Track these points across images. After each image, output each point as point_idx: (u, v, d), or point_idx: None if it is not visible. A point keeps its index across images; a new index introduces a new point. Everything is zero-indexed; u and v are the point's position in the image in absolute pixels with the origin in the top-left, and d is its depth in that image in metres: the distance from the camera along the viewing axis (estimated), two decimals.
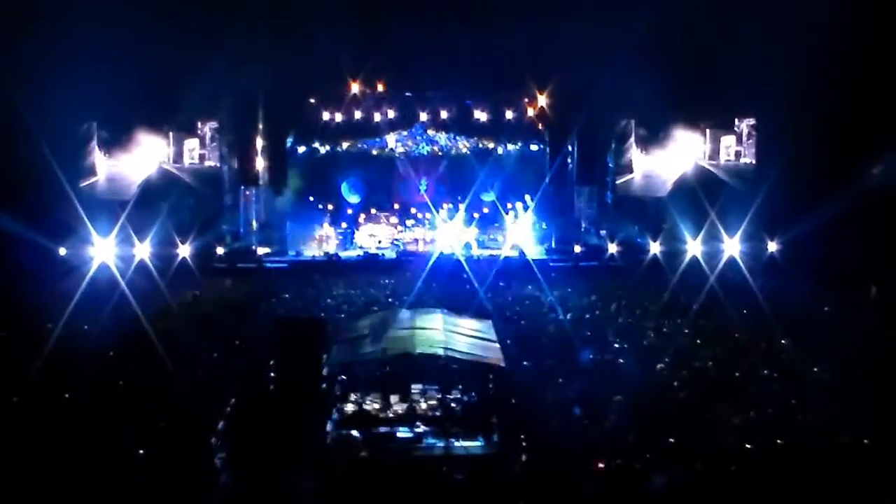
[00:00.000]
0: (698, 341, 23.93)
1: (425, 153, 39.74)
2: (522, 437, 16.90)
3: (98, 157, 36.17)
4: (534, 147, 39.52)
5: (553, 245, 37.93)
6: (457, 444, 17.00)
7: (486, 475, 16.17)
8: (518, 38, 34.15)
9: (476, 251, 37.03)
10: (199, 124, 36.77)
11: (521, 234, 38.11)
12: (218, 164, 36.84)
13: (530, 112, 37.85)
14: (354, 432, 17.24)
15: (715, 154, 37.42)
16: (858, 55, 30.59)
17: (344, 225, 38.72)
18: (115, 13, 30.72)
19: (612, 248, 35.86)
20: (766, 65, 31.87)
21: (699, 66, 33.13)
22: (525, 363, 21.69)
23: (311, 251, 37.52)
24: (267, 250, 37.18)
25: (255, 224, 37.43)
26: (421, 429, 17.52)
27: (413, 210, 39.53)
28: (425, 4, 33.51)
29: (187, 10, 31.96)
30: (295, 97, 37.57)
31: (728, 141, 37.31)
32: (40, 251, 31.14)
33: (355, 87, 37.00)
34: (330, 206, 39.32)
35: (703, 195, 35.15)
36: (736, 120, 37.09)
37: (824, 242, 30.03)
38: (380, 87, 37.50)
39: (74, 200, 32.86)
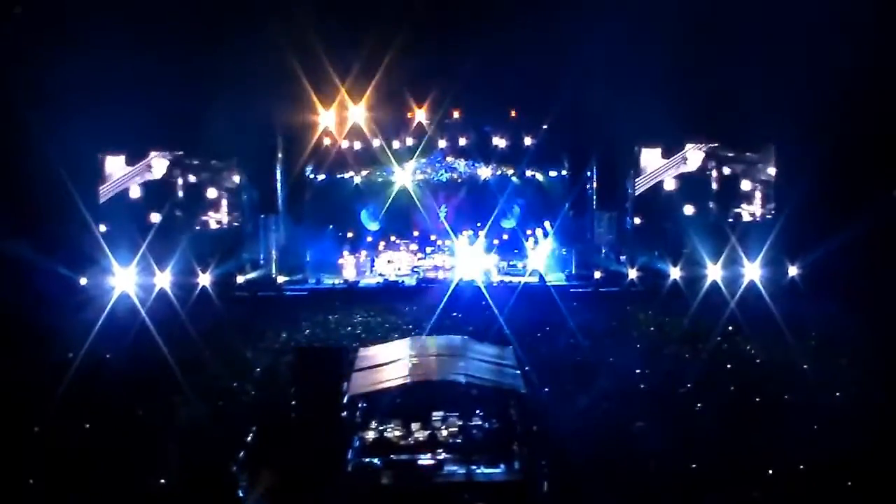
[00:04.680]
0: (720, 366, 23.83)
1: (444, 180, 39.73)
2: (544, 463, 16.81)
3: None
4: (553, 173, 39.46)
5: (573, 271, 37.81)
6: (478, 471, 16.92)
7: (508, 502, 16.09)
8: (536, 64, 34.20)
9: (496, 278, 36.95)
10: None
11: (541, 260, 38.06)
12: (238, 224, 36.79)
13: (549, 138, 37.72)
14: (375, 460, 17.21)
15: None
16: (878, 78, 30.60)
17: (364, 253, 38.71)
18: (132, 51, 31.01)
19: (633, 274, 35.75)
20: (785, 90, 31.87)
21: (718, 92, 33.12)
22: (546, 389, 21.67)
23: (331, 279, 37.55)
24: (287, 278, 37.24)
25: (274, 252, 37.47)
26: (442, 456, 17.46)
27: (433, 237, 39.48)
28: (442, 32, 33.66)
29: (204, 43, 32.19)
30: (314, 126, 37.64)
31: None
32: (62, 281, 31.33)
33: (373, 115, 36.99)
34: (350, 234, 39.35)
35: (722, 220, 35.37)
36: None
37: (846, 265, 29.94)
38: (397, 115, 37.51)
39: (95, 231, 33.11)
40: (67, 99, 31.09)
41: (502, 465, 17.06)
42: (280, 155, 36.94)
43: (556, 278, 37.35)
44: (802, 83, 31.57)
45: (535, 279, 36.58)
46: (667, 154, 36.84)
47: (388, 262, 38.45)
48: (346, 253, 38.49)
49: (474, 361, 19.51)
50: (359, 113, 36.52)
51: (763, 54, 31.75)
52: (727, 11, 32.01)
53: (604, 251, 37.55)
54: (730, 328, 27.55)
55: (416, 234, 39.51)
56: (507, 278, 37.00)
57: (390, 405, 19.24)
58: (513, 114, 37.43)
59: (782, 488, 16.01)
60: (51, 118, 30.73)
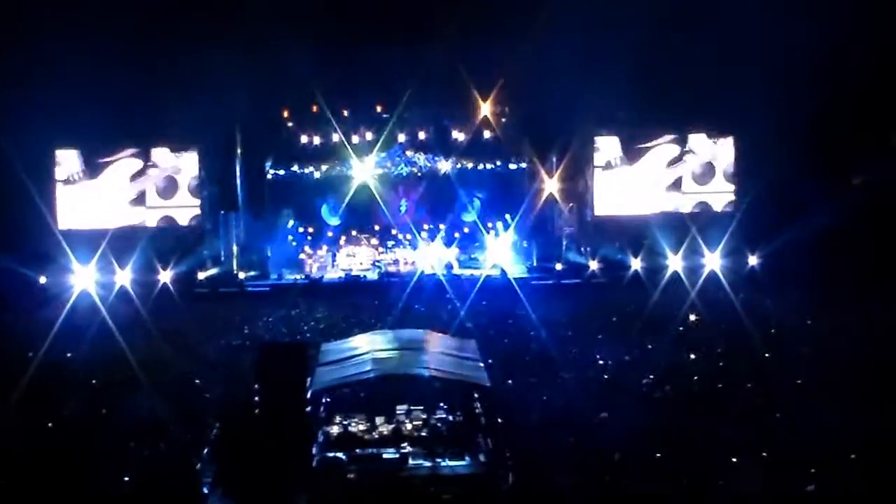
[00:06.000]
0: (682, 356, 23.97)
1: (404, 174, 39.65)
2: (508, 455, 16.87)
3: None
4: (513, 166, 39.48)
5: (534, 263, 37.95)
6: (443, 464, 16.95)
7: (473, 495, 16.12)
8: (495, 57, 34.25)
9: (457, 271, 37.01)
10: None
11: (503, 252, 38.14)
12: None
13: (509, 131, 37.75)
14: (340, 454, 17.19)
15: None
16: (840, 69, 30.91)
17: (325, 247, 38.59)
18: (91, 44, 30.74)
19: (594, 266, 35.89)
20: (748, 81, 32.11)
21: (679, 85, 33.34)
22: (509, 382, 21.74)
23: (293, 274, 37.43)
24: (248, 274, 37.08)
25: (235, 248, 37.31)
26: (407, 449, 17.48)
27: (394, 231, 39.45)
28: (401, 25, 33.62)
29: (163, 37, 31.98)
30: (273, 121, 37.50)
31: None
32: (20, 280, 31.05)
33: (333, 110, 36.88)
34: (310, 229, 39.21)
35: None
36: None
37: (805, 255, 30.26)
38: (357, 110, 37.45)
39: (55, 229, 32.86)
40: (22, 93, 30.73)
41: (467, 458, 17.09)
42: (239, 151, 36.71)
43: (517, 271, 37.45)
44: (767, 74, 31.87)
45: (496, 272, 36.67)
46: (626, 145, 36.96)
47: (348, 256, 38.34)
48: (306, 248, 38.39)
49: (437, 355, 19.50)
50: (318, 107, 36.36)
51: (724, 44, 31.93)
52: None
53: (565, 243, 37.65)
54: (689, 317, 27.73)
55: (376, 228, 39.42)
56: (468, 271, 37.04)
57: (354, 400, 19.26)
58: (475, 108, 37.25)
59: (744, 476, 16.14)
60: (6, 116, 30.38)
